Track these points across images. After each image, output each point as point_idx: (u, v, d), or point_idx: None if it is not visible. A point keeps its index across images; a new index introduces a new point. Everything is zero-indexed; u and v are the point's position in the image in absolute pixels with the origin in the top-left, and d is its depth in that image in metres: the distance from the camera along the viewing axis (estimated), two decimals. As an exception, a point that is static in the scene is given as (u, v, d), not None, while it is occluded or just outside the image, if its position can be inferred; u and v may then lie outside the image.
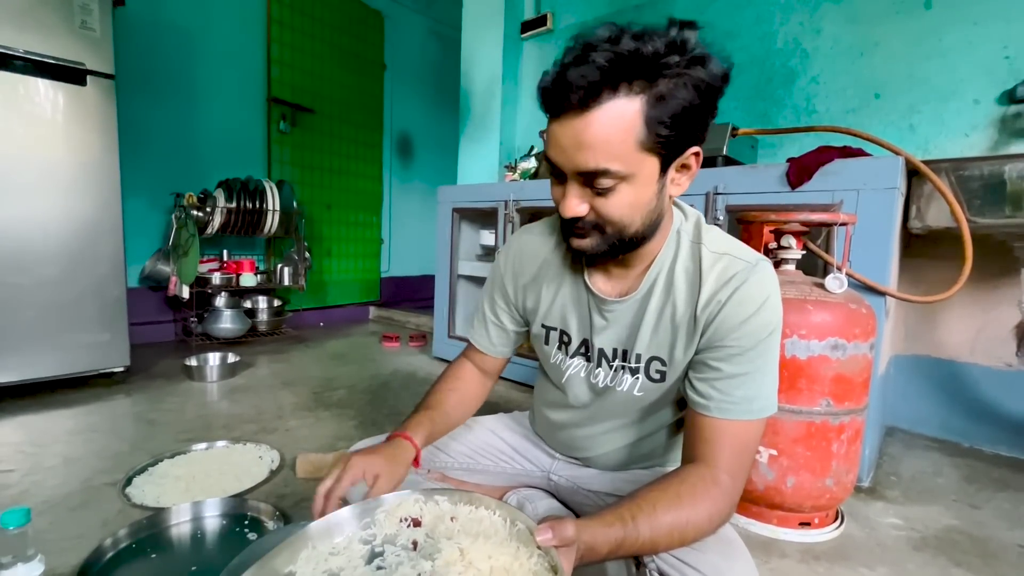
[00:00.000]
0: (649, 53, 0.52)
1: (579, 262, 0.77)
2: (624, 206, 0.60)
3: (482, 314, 0.89)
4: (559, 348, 0.82)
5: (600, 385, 0.78)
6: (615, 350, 0.75)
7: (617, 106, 0.54)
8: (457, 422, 0.86)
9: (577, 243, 0.65)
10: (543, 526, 0.51)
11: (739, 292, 0.63)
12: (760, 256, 0.67)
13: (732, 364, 0.63)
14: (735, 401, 0.62)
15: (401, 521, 0.61)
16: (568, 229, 0.65)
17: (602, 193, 0.59)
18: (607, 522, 0.55)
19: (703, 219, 0.72)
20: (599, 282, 0.75)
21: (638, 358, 0.72)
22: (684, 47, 0.54)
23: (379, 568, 0.55)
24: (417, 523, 0.61)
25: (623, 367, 0.75)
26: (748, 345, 0.62)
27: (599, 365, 0.77)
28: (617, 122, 0.54)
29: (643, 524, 0.56)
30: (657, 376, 0.72)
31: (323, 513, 0.62)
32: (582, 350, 0.79)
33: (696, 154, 0.61)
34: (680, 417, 0.80)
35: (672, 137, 0.56)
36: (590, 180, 0.58)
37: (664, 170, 0.60)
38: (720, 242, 0.68)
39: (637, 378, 0.73)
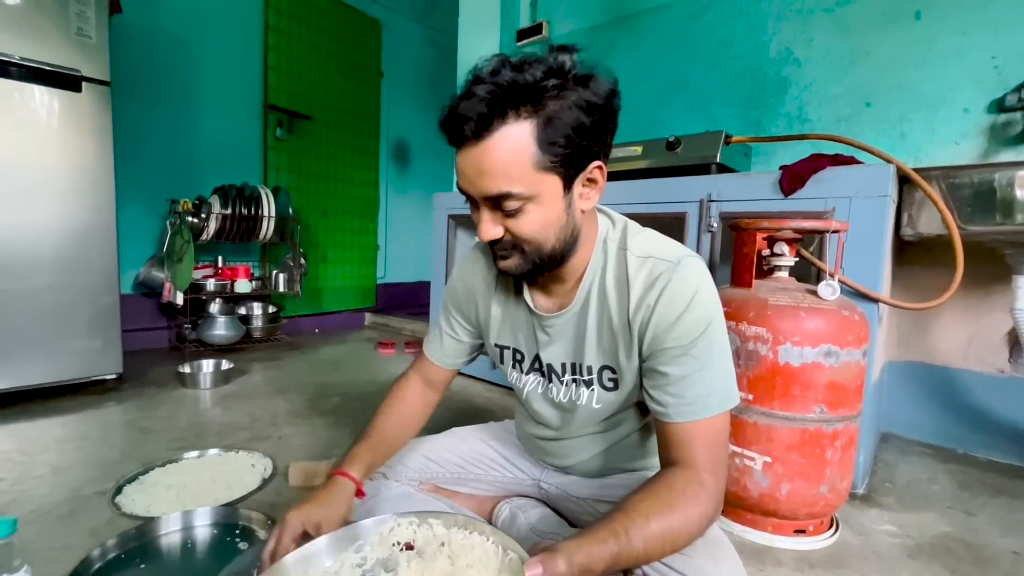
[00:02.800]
0: (528, 81, 0.56)
1: (520, 282, 0.78)
2: (535, 225, 0.62)
3: (439, 329, 0.90)
4: (513, 367, 0.83)
5: (557, 400, 0.79)
6: (563, 364, 0.76)
7: (508, 132, 0.57)
8: (399, 445, 0.87)
9: (502, 264, 0.67)
10: (533, 560, 0.50)
11: (666, 292, 0.64)
12: (684, 253, 0.67)
13: (677, 366, 0.64)
14: (690, 401, 0.63)
15: (394, 545, 0.61)
16: (492, 252, 0.68)
17: (511, 215, 0.61)
18: (600, 539, 0.54)
19: (631, 225, 0.73)
20: (538, 299, 0.77)
21: (589, 370, 0.74)
22: (562, 70, 0.57)
23: None
24: (410, 547, 0.61)
25: (575, 380, 0.76)
26: (687, 342, 0.63)
27: (551, 381, 0.79)
28: (510, 146, 0.57)
29: (636, 537, 0.55)
30: (610, 384, 0.73)
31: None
32: (536, 365, 0.80)
33: (599, 167, 0.63)
34: (647, 422, 0.81)
35: (567, 155, 0.59)
36: (497, 204, 0.60)
37: (568, 187, 0.62)
38: (644, 245, 0.69)
39: (592, 390, 0.75)
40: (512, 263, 0.66)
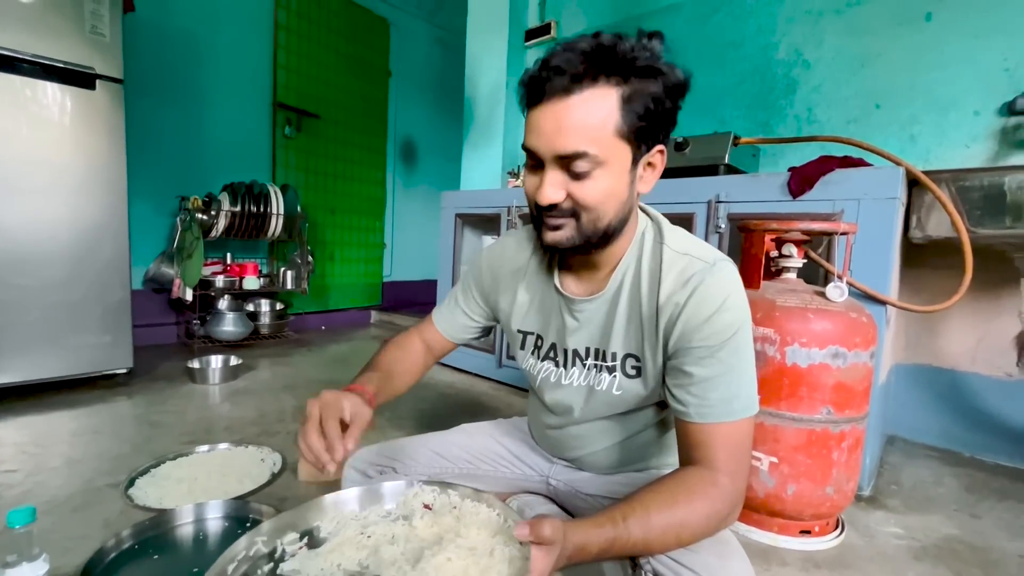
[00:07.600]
0: (625, 50, 0.58)
1: (551, 267, 0.79)
2: (599, 192, 0.62)
3: (454, 300, 0.92)
4: (532, 352, 0.84)
5: (574, 385, 0.79)
6: (588, 349, 0.76)
7: (597, 93, 0.59)
8: (400, 386, 0.84)
9: (551, 236, 0.66)
10: (523, 522, 0.53)
11: (697, 292, 0.64)
12: (720, 256, 0.68)
13: (703, 367, 0.64)
14: (712, 404, 0.63)
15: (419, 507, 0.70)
16: (542, 222, 0.66)
17: (579, 177, 0.61)
18: (598, 523, 0.57)
19: (667, 222, 0.74)
20: (569, 284, 0.77)
21: (613, 356, 0.74)
22: (652, 51, 0.60)
23: (395, 524, 0.66)
24: (428, 507, 0.69)
25: (598, 366, 0.76)
26: (714, 344, 0.63)
27: (572, 366, 0.79)
28: (596, 107, 0.59)
29: (635, 525, 0.57)
30: (633, 372, 0.73)
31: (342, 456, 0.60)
32: (551, 354, 0.81)
33: (661, 152, 0.66)
34: (663, 417, 0.81)
35: (643, 128, 0.61)
36: (568, 164, 0.61)
37: (635, 163, 0.63)
38: (682, 242, 0.70)
39: (614, 376, 0.75)
40: (563, 234, 0.65)
